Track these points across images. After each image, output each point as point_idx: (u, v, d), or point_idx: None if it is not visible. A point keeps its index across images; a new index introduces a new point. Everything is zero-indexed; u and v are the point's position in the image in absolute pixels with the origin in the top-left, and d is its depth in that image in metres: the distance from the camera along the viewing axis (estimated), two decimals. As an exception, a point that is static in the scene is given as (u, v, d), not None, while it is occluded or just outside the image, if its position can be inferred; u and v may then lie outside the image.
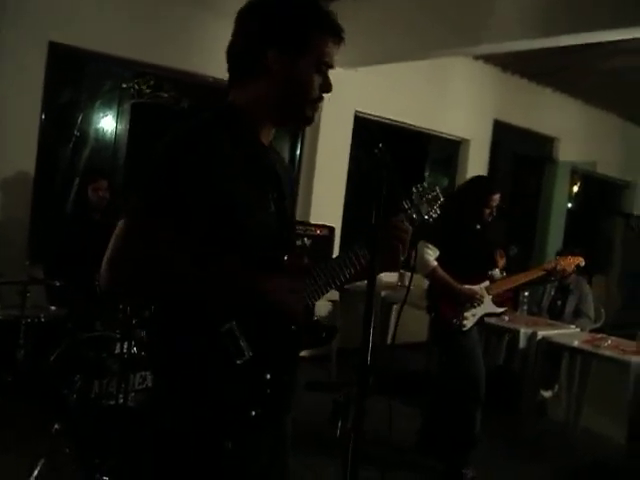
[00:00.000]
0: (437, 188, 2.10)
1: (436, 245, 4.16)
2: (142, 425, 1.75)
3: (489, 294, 4.25)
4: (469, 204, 4.26)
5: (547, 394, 6.05)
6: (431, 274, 4.17)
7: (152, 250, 1.55)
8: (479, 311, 4.19)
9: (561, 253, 6.37)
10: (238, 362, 1.61)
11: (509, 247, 6.75)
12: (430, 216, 2.07)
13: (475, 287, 4.20)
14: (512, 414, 5.09)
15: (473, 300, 4.15)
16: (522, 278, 4.49)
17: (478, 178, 4.60)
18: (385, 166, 1.60)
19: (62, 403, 3.69)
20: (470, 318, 4.16)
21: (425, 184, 2.10)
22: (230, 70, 1.80)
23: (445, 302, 4.19)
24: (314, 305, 1.82)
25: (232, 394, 1.62)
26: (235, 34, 1.78)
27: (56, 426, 3.62)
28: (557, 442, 5.22)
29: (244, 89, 1.77)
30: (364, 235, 1.81)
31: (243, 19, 1.77)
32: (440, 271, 4.15)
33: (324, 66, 1.77)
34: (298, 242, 5.44)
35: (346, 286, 1.98)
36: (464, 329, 4.13)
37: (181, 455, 1.64)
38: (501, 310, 4.47)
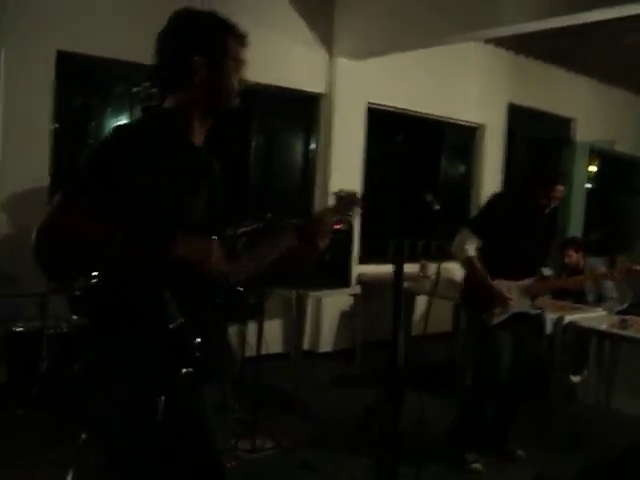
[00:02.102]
0: (357, 195, 2.41)
1: (481, 235, 4.07)
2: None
3: (525, 294, 4.13)
4: (531, 194, 4.13)
5: (576, 379, 5.97)
6: (466, 263, 4.10)
7: (74, 223, 1.73)
8: (511, 309, 4.06)
9: (566, 244, 6.25)
10: (171, 326, 1.78)
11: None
12: (348, 219, 2.40)
13: (511, 284, 4.07)
14: (541, 400, 5.02)
15: (499, 300, 4.02)
16: (564, 283, 4.40)
17: (545, 166, 4.49)
18: (404, 152, 1.71)
19: (87, 413, 3.67)
20: (499, 314, 4.05)
21: (344, 191, 2.41)
22: (160, 83, 2.06)
23: (476, 294, 4.10)
24: (239, 280, 2.01)
25: (164, 354, 1.79)
26: (159, 52, 2.03)
27: (83, 436, 3.61)
28: (588, 427, 5.16)
29: (175, 96, 2.01)
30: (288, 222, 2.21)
31: (166, 37, 2.03)
32: (475, 262, 4.06)
33: (240, 64, 2.06)
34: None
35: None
36: (491, 324, 4.05)
37: (124, 416, 1.82)
38: (536, 312, 4.30)
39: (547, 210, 4.18)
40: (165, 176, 1.85)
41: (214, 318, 1.96)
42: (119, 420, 1.84)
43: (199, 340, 1.82)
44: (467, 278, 4.24)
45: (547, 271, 4.32)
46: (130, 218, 1.78)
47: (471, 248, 4.08)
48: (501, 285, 4.03)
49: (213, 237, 1.91)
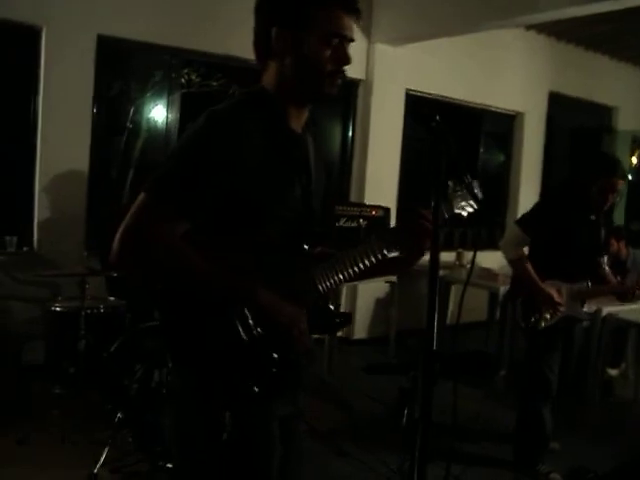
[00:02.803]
0: (476, 183, 2.00)
1: (531, 234, 3.89)
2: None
3: (577, 297, 3.92)
4: (589, 189, 3.81)
5: (614, 372, 5.89)
6: (514, 264, 3.94)
7: (161, 233, 1.58)
8: (561, 313, 3.85)
9: (611, 232, 6.12)
10: (245, 339, 1.66)
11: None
12: (461, 212, 1.98)
13: (562, 286, 3.86)
14: (577, 393, 4.95)
15: (549, 304, 3.83)
16: (617, 288, 4.22)
17: (602, 158, 4.15)
18: (443, 140, 1.56)
19: (124, 393, 3.72)
20: (548, 318, 3.87)
21: (468, 178, 1.99)
22: (255, 54, 1.82)
23: (526, 296, 3.91)
24: (329, 291, 1.80)
25: (237, 369, 1.67)
26: (254, 18, 1.80)
27: (119, 415, 3.66)
28: (624, 422, 5.08)
29: (267, 74, 1.79)
30: (385, 227, 1.82)
31: (257, 2, 1.79)
32: (525, 263, 3.88)
33: (335, 38, 1.72)
34: (354, 224, 5.37)
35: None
36: (539, 328, 3.88)
37: (193, 427, 1.73)
38: (585, 318, 4.14)
39: (606, 207, 3.89)
40: (262, 167, 1.68)
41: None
42: (185, 433, 1.77)
43: (276, 355, 1.70)
44: (515, 278, 4.09)
45: (605, 266, 4.11)
46: (220, 216, 1.65)
47: (519, 247, 3.94)
48: (552, 287, 3.85)
49: (303, 308, 1.74)
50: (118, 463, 3.54)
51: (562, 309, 3.84)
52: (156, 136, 5.86)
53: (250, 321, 1.66)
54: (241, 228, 1.68)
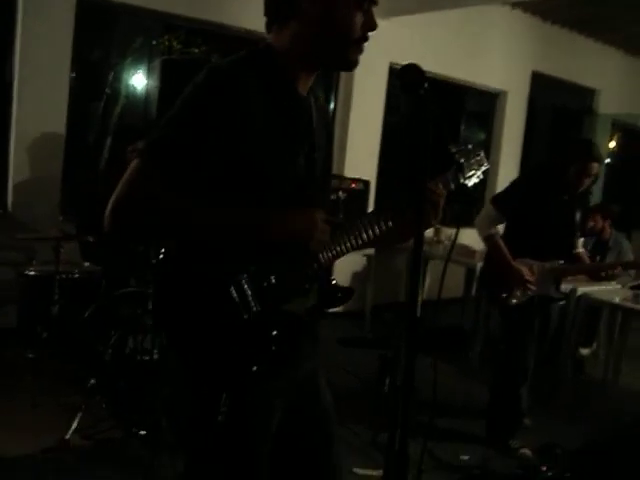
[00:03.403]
0: (482, 152, 1.95)
1: (506, 213, 3.93)
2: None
3: (549, 276, 3.96)
4: (566, 171, 3.85)
5: (585, 352, 5.97)
6: (487, 240, 3.95)
7: (159, 193, 1.50)
8: (532, 291, 3.87)
9: (595, 209, 6.21)
10: (245, 316, 1.56)
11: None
12: (469, 180, 1.91)
13: (535, 264, 3.89)
14: (550, 370, 5.00)
15: (518, 282, 3.85)
16: (592, 267, 4.27)
17: (580, 142, 4.21)
18: (431, 108, 1.50)
19: (97, 359, 3.70)
20: (518, 295, 3.89)
21: (470, 146, 1.95)
22: (266, 12, 1.67)
23: (497, 273, 3.93)
24: (330, 261, 1.72)
25: (236, 348, 1.58)
26: None
27: (92, 381, 3.64)
28: (595, 400, 5.16)
29: (280, 33, 1.64)
30: (392, 199, 1.74)
31: None
32: (498, 240, 3.91)
33: (366, 1, 1.59)
34: (333, 196, 5.34)
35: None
36: (510, 304, 3.90)
37: (189, 407, 1.68)
38: (560, 295, 4.17)
39: (581, 189, 3.93)
40: (265, 133, 1.58)
41: (296, 305, 1.67)
42: (183, 415, 1.73)
43: (275, 332, 1.60)
44: (488, 256, 4.12)
45: (579, 248, 4.14)
46: (218, 181, 1.56)
47: (493, 225, 3.96)
48: (523, 265, 3.88)
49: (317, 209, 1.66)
50: (91, 429, 3.51)
51: (533, 287, 3.86)
52: (135, 102, 5.78)
53: (249, 297, 1.57)
54: (240, 194, 1.59)
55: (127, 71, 5.72)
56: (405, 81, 1.55)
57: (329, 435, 1.90)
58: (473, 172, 1.93)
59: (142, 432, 3.40)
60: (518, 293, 3.89)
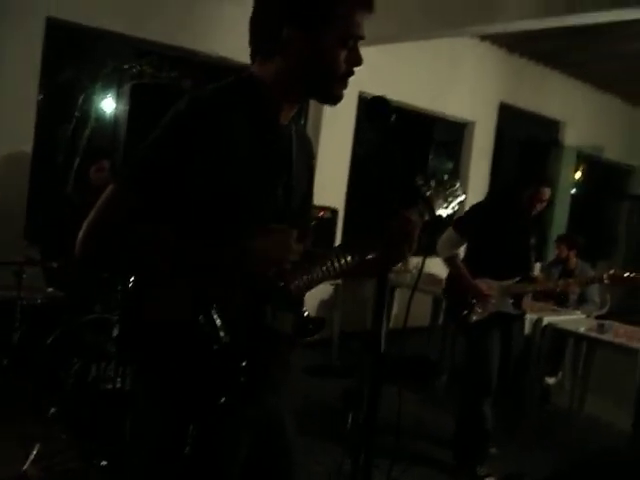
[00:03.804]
0: (458, 183, 1.96)
1: (465, 236, 4.09)
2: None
3: (507, 294, 4.11)
4: (518, 197, 4.11)
5: (551, 380, 6.00)
6: (448, 261, 4.12)
7: (131, 223, 1.47)
8: (491, 308, 4.03)
9: (561, 239, 6.31)
10: (215, 347, 1.52)
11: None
12: (445, 212, 1.93)
13: (493, 283, 4.05)
14: (515, 399, 5.02)
15: (478, 297, 4.02)
16: (549, 286, 4.43)
17: (534, 171, 4.49)
18: (399, 139, 1.53)
19: (59, 387, 3.62)
20: (479, 313, 4.04)
21: (445, 177, 1.96)
22: (251, 44, 1.68)
23: (458, 291, 4.10)
24: (303, 295, 1.72)
25: (204, 379, 1.54)
26: (256, 5, 1.66)
27: (52, 410, 3.56)
28: (560, 429, 5.18)
29: (264, 65, 1.65)
30: (365, 231, 1.74)
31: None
32: (457, 260, 4.12)
33: (351, 39, 1.63)
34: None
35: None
36: (471, 321, 4.04)
37: (155, 438, 1.63)
38: (518, 312, 4.24)
39: (534, 212, 4.15)
40: (246, 162, 1.58)
41: (266, 336, 1.64)
42: (148, 445, 1.66)
43: (245, 364, 1.56)
44: (449, 276, 4.28)
45: (536, 271, 4.31)
46: (196, 211, 1.53)
47: (455, 248, 4.13)
48: (482, 284, 4.03)
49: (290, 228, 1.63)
50: (50, 460, 3.42)
51: (492, 302, 4.03)
52: (104, 126, 5.74)
53: (219, 328, 1.53)
54: (216, 224, 1.57)
55: (97, 95, 5.67)
56: (373, 114, 1.56)
57: (293, 465, 1.87)
58: (447, 203, 1.93)
59: (103, 463, 3.33)
60: (478, 309, 4.04)
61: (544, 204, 4.15)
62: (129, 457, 1.83)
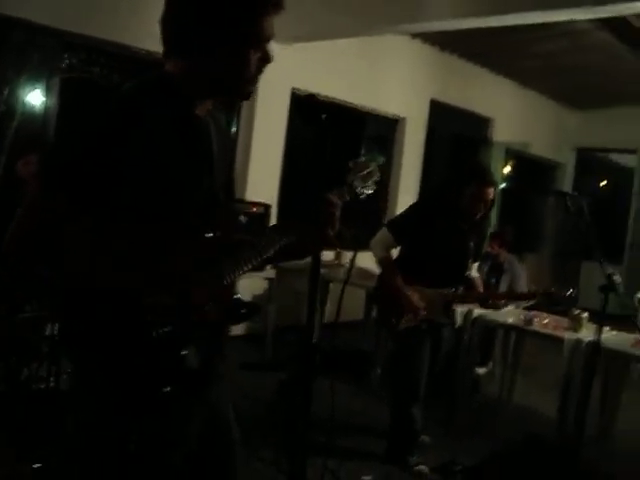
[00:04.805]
0: (373, 164, 2.08)
1: (400, 238, 3.96)
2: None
3: (439, 302, 4.00)
4: (461, 197, 3.86)
5: (481, 371, 6.14)
6: (380, 263, 4.00)
7: (54, 226, 1.46)
8: (421, 316, 3.91)
9: (493, 236, 6.46)
10: (154, 334, 1.53)
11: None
12: (362, 192, 2.05)
13: (424, 291, 3.92)
14: (447, 392, 5.13)
15: (409, 309, 3.89)
16: (481, 296, 4.38)
17: (473, 167, 4.24)
18: (330, 135, 1.61)
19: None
20: (407, 321, 3.92)
21: (362, 159, 2.08)
22: (164, 43, 1.71)
23: (388, 296, 3.97)
24: (234, 281, 1.75)
25: (146, 368, 1.54)
26: (167, 6, 1.68)
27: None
28: (491, 418, 5.32)
29: (177, 63, 1.69)
30: (287, 217, 1.82)
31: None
32: (389, 264, 3.97)
33: (260, 41, 1.68)
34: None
35: (278, 264, 1.96)
36: (398, 329, 3.95)
37: (96, 434, 1.61)
38: (447, 322, 4.17)
39: (477, 215, 3.94)
40: (168, 155, 1.61)
41: (204, 323, 1.65)
42: (89, 445, 1.63)
43: (185, 352, 1.57)
44: (380, 277, 4.15)
45: (474, 273, 4.23)
46: (118, 205, 1.53)
47: (389, 249, 4.00)
48: (414, 292, 3.90)
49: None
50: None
51: (422, 312, 3.91)
52: (33, 120, 5.60)
53: (158, 316, 1.54)
54: (146, 220, 1.57)
55: (24, 88, 5.54)
56: (304, 113, 1.61)
57: (236, 461, 1.91)
58: (364, 184, 2.04)
59: (36, 465, 3.28)
60: (407, 318, 3.92)
61: (488, 204, 3.91)
62: (66, 458, 1.80)
